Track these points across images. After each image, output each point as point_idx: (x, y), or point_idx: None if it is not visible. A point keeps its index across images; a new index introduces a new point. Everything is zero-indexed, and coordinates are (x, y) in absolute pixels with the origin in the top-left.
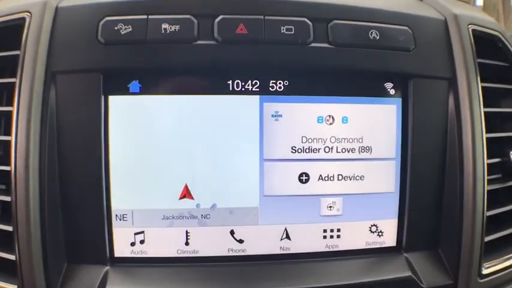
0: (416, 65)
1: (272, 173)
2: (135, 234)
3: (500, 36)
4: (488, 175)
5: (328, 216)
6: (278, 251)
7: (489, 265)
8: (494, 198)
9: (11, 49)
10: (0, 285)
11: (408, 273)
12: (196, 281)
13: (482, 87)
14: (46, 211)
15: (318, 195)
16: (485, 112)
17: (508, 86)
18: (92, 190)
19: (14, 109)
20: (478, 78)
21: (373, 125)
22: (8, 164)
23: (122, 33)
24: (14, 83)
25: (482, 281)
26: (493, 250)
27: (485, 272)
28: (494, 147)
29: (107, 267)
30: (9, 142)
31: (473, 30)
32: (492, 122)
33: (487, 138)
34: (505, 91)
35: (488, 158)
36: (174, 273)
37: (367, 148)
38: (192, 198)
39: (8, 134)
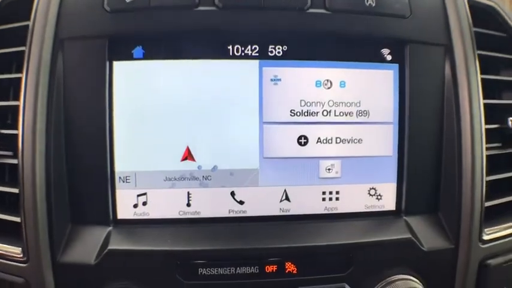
0: (412, 31)
1: (272, 135)
2: (138, 196)
3: (496, 7)
4: (488, 143)
5: (327, 178)
6: (278, 213)
7: (491, 231)
8: (496, 166)
9: (20, 21)
10: (5, 248)
11: (408, 235)
12: (197, 239)
13: (480, 55)
14: (52, 174)
15: (316, 158)
16: (483, 79)
17: (505, 55)
18: (96, 153)
19: (23, 75)
20: (475, 45)
21: (370, 89)
22: (16, 129)
23: (127, 0)
24: (23, 51)
25: (483, 246)
26: (496, 217)
27: (486, 237)
28: (494, 114)
29: (110, 228)
30: (17, 107)
31: (468, 1)
32: (494, 91)
33: (485, 104)
34: (504, 61)
35: (487, 124)
36: (176, 232)
37: (365, 112)
38: (194, 160)
39: (17, 99)
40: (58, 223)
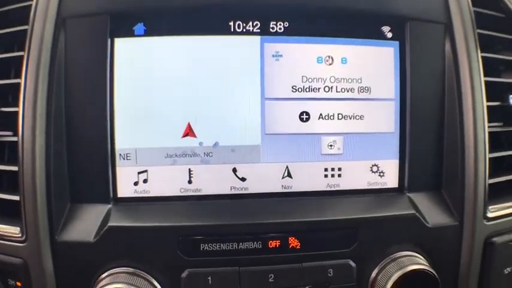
0: (412, 8)
1: (273, 111)
2: (139, 173)
3: None
4: (490, 121)
5: (329, 154)
6: (280, 190)
7: (495, 209)
8: (499, 145)
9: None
10: (2, 228)
11: (412, 211)
12: (199, 216)
13: (479, 35)
14: (51, 151)
15: (318, 134)
16: (483, 58)
17: (505, 35)
18: (97, 130)
19: (25, 53)
20: (474, 24)
21: (371, 66)
22: (16, 106)
23: None
24: (26, 30)
25: (488, 223)
26: (501, 195)
27: (490, 215)
28: (495, 93)
29: (110, 206)
30: (18, 85)
31: None
32: (493, 72)
33: (486, 81)
34: (503, 41)
35: (488, 102)
36: (177, 209)
37: (366, 88)
38: (195, 136)
39: (18, 78)
40: (57, 201)
